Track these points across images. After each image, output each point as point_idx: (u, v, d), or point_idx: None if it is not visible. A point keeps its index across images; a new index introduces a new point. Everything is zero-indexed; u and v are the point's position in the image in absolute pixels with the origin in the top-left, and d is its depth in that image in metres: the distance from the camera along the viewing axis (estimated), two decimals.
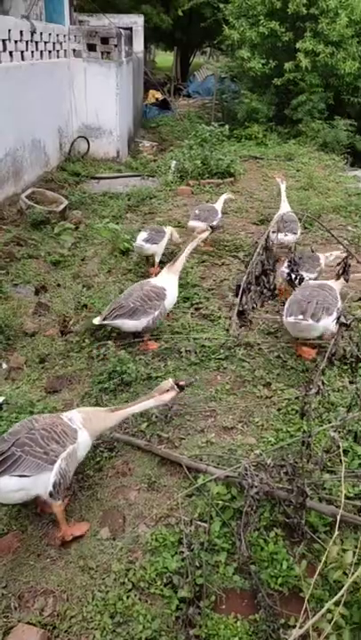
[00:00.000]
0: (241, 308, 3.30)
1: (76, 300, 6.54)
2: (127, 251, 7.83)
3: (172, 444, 4.24)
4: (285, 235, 7.23)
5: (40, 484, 3.35)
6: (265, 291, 3.37)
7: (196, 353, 5.28)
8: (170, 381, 3.72)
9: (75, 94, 13.43)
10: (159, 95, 22.76)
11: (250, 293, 3.31)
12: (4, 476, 3.22)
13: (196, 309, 6.15)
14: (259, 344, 5.42)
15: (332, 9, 13.74)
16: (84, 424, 3.57)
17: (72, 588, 3.23)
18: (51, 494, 3.37)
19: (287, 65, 14.25)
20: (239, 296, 3.29)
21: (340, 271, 3.61)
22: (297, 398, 4.65)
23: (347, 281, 4.00)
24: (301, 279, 4.75)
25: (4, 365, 5.90)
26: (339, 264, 3.90)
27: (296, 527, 3.21)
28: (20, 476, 3.25)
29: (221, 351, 5.31)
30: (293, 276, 4.26)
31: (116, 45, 13.34)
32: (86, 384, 5.10)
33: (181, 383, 3.74)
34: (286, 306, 5.16)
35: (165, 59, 36.24)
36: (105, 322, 5.37)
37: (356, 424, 3.90)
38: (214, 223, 7.43)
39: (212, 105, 17.49)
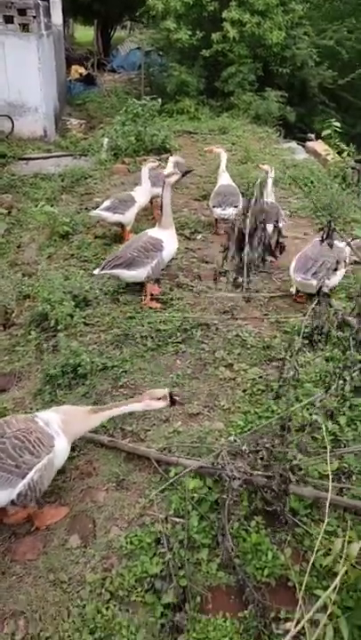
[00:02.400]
0: (241, 266, 3.11)
1: (17, 289, 6.09)
2: (67, 234, 7.39)
3: (138, 436, 4.00)
4: (224, 209, 7.07)
5: (6, 497, 3.06)
6: (265, 242, 3.17)
7: (152, 338, 5.03)
8: (165, 391, 3.42)
9: None
10: (83, 70, 21.84)
11: (253, 242, 3.11)
12: None
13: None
14: (215, 324, 5.24)
15: None
16: (63, 427, 3.24)
17: (44, 606, 2.96)
18: (12, 502, 3.09)
19: (215, 36, 13.95)
20: (244, 247, 3.10)
21: (325, 235, 3.48)
22: (261, 377, 4.52)
23: (331, 246, 3.92)
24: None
25: None
26: (322, 228, 3.79)
27: (279, 515, 3.07)
28: None
29: (178, 334, 5.08)
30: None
31: (34, 17, 12.52)
32: (37, 380, 4.73)
33: (176, 397, 3.47)
34: (294, 262, 5.46)
35: (85, 33, 34.82)
36: (103, 271, 5.48)
37: (328, 401, 3.80)
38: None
39: (141, 79, 16.92)
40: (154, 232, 5.72)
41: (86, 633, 2.81)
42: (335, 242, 3.78)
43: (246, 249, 3.08)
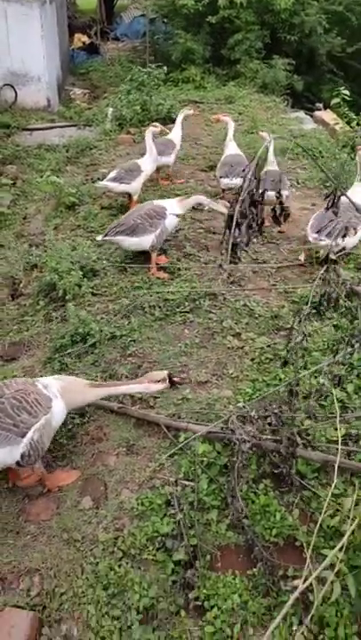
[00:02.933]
0: (234, 241, 3.07)
1: (24, 260, 6.10)
2: (73, 205, 7.35)
3: (147, 403, 4.05)
4: (231, 179, 6.98)
5: (9, 456, 3.13)
6: (253, 224, 3.14)
7: (160, 308, 5.04)
8: (164, 373, 3.45)
9: None
10: (86, 39, 21.34)
11: (242, 226, 3.08)
12: None
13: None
14: (223, 294, 5.24)
15: None
16: (62, 393, 3.29)
17: (58, 564, 3.05)
18: (18, 464, 3.18)
19: (221, 1, 13.55)
20: (232, 229, 3.05)
21: (330, 203, 3.45)
22: (269, 346, 4.54)
23: (335, 214, 3.92)
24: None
25: None
26: (328, 196, 3.74)
27: (286, 477, 3.13)
28: None
29: (186, 304, 5.09)
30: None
31: None
32: (46, 349, 4.78)
33: (175, 379, 3.51)
34: (311, 221, 5.60)
35: (87, 1, 33.99)
36: (106, 238, 5.54)
37: (334, 368, 3.82)
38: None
39: (146, 47, 16.51)
40: (160, 201, 5.73)
41: (100, 589, 2.91)
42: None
43: (233, 230, 3.04)
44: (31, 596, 2.91)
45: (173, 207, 5.65)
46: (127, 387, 3.51)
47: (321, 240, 5.33)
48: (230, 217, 3.08)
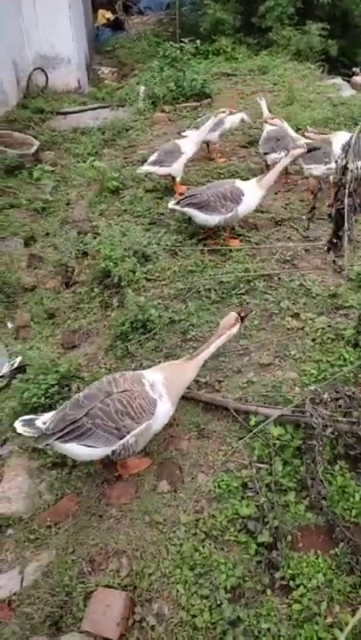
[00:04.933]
0: (348, 234, 2.97)
1: (76, 247, 6.17)
2: (117, 189, 7.37)
3: (212, 387, 4.11)
4: (279, 153, 6.84)
5: (101, 452, 3.27)
6: (357, 206, 3.03)
7: (215, 291, 5.07)
8: (233, 314, 3.57)
9: (24, 21, 12.21)
10: (110, 15, 21.00)
11: (352, 219, 2.98)
12: (72, 442, 3.15)
13: (205, 245, 5.85)
14: (278, 274, 5.22)
15: None
16: (167, 387, 3.35)
17: (144, 545, 3.17)
18: (108, 457, 3.31)
19: None
20: (346, 221, 2.93)
21: None
22: (330, 326, 4.52)
23: None
24: None
25: (10, 325, 5.63)
26: None
27: None
28: (88, 445, 3.17)
29: (241, 285, 5.10)
30: None
31: None
32: (106, 335, 4.87)
33: (243, 314, 3.61)
34: None
35: None
36: (177, 207, 5.62)
37: None
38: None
39: (175, 19, 16.13)
40: (242, 183, 5.65)
41: (186, 569, 3.01)
42: None
43: (346, 225, 2.85)
44: (121, 577, 3.04)
45: (254, 191, 5.56)
46: (215, 343, 3.55)
47: None
48: (338, 211, 2.93)
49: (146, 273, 5.44)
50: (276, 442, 3.45)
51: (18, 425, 3.20)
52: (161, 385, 3.34)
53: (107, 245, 5.42)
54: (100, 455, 3.26)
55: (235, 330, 3.57)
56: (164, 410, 3.35)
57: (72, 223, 7.19)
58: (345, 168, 2.82)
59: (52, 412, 3.25)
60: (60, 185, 8.63)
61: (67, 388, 4.26)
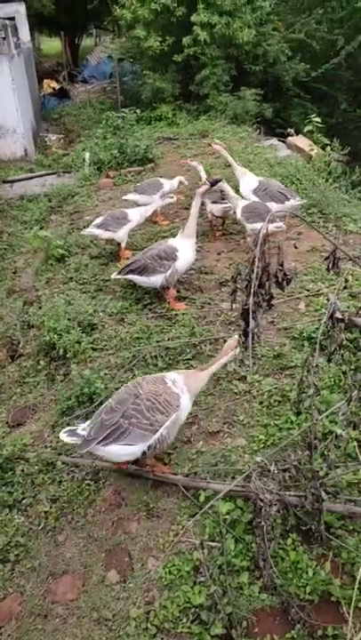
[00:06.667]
0: (253, 332, 3.00)
1: (20, 319, 6.06)
2: (63, 257, 7.37)
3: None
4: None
5: (139, 450, 3.53)
6: (262, 302, 3.10)
7: (162, 357, 5.03)
8: (236, 337, 3.82)
9: None
10: (55, 84, 21.75)
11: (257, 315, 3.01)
12: (114, 445, 3.44)
13: (150, 310, 5.85)
14: (223, 337, 5.24)
15: None
16: (187, 384, 3.69)
17: None
18: (144, 453, 3.54)
19: (185, 40, 13.91)
20: (250, 318, 2.97)
21: (330, 265, 3.38)
22: (276, 388, 4.53)
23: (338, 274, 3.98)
24: None
25: None
26: (327, 258, 3.59)
27: (315, 532, 3.08)
28: (127, 444, 3.46)
29: (188, 350, 5.08)
30: None
31: (4, 38, 12.47)
32: (53, 411, 4.73)
33: (241, 338, 3.67)
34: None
35: (51, 45, 34.65)
36: (119, 276, 5.85)
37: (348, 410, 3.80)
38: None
39: (116, 89, 16.84)
40: (173, 241, 5.83)
41: None
42: None
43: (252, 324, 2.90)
44: None
45: (184, 243, 5.72)
46: (220, 362, 3.83)
47: None
48: (245, 310, 2.99)
49: (92, 342, 5.37)
50: (227, 517, 3.35)
51: (63, 435, 3.58)
52: (181, 382, 3.69)
53: (50, 317, 5.34)
54: (138, 453, 3.51)
55: (237, 351, 3.80)
56: (186, 402, 3.67)
57: (19, 292, 7.12)
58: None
59: (88, 421, 3.61)
60: (6, 253, 8.60)
61: (10, 473, 4.07)
